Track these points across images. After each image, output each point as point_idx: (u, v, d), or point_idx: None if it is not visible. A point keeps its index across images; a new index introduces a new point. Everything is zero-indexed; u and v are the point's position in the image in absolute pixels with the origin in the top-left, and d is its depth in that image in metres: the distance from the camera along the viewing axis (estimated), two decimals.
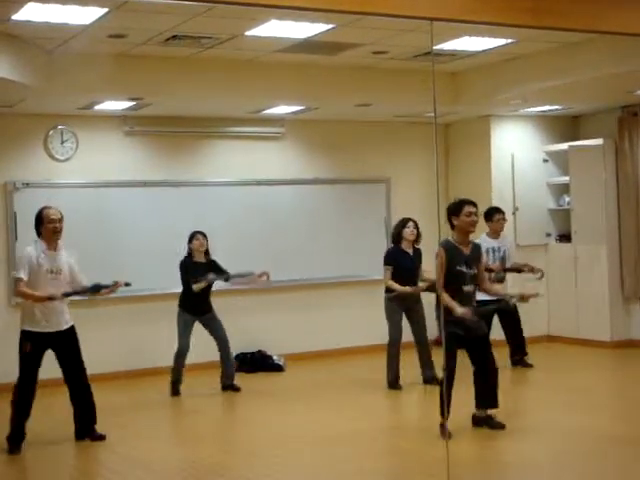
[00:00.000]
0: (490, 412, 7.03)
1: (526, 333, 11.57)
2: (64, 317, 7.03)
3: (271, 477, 6.03)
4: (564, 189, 11.71)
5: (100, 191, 10.04)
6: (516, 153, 11.68)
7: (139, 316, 9.90)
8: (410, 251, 8.93)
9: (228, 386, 9.05)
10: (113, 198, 10.08)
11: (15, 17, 6.97)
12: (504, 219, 9.72)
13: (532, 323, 11.64)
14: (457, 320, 6.60)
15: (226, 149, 10.77)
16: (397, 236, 8.97)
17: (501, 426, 6.94)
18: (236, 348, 10.45)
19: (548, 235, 11.87)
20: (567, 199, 11.62)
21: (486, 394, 6.99)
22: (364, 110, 10.43)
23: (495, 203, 11.42)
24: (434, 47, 8.42)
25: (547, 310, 11.82)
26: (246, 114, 10.45)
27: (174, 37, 7.94)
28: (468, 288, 6.79)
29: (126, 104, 9.43)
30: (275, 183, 10.94)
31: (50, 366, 7.29)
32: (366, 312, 10.94)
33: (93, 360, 9.82)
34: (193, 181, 10.52)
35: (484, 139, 11.61)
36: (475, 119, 11.57)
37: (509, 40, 8.57)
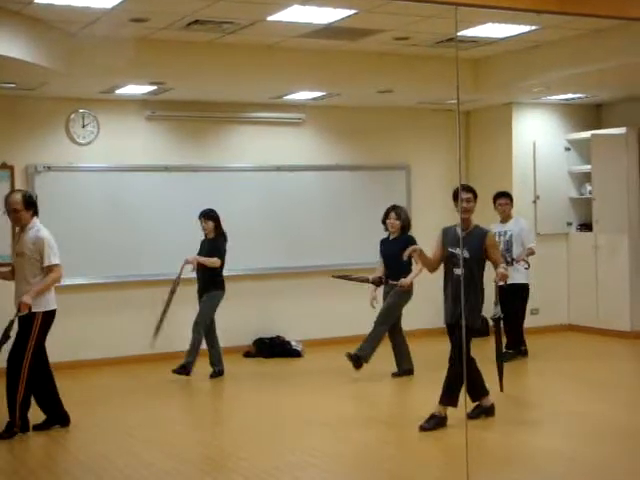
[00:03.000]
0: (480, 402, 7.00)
1: (546, 322, 11.59)
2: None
3: (284, 461, 6.06)
4: (586, 178, 11.63)
5: (121, 175, 10.06)
6: (538, 141, 11.61)
7: (159, 300, 9.90)
8: (396, 238, 8.89)
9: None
10: (134, 182, 10.10)
11: (38, 0, 6.98)
12: (507, 204, 9.70)
13: (552, 312, 11.64)
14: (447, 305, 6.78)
15: (247, 134, 10.76)
16: (384, 225, 9.04)
17: (472, 416, 6.84)
18: (254, 333, 10.51)
19: (569, 224, 11.81)
20: (589, 188, 11.54)
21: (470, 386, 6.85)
22: (385, 97, 10.39)
23: (516, 191, 11.38)
24: (458, 34, 8.37)
25: (567, 299, 11.77)
26: (267, 99, 10.43)
27: (196, 22, 7.92)
28: (459, 271, 6.64)
29: (147, 88, 9.44)
30: (295, 169, 10.93)
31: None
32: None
33: (116, 344, 9.96)
34: (213, 166, 10.52)
35: (506, 127, 11.54)
36: (497, 107, 11.49)
37: (533, 27, 8.50)
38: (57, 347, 9.58)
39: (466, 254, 6.69)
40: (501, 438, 6.56)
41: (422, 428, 6.65)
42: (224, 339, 9.64)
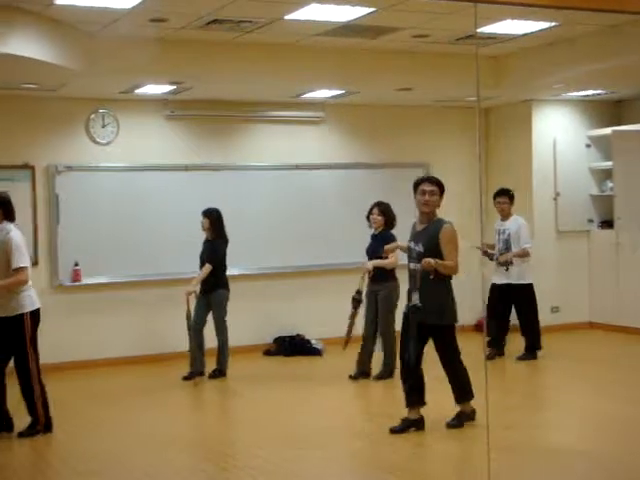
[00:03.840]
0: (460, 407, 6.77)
1: (566, 320, 11.53)
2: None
3: (303, 460, 6.06)
4: (607, 174, 11.56)
5: (141, 175, 10.10)
6: (558, 138, 11.56)
7: (179, 299, 9.94)
8: (378, 234, 8.78)
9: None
10: (153, 182, 10.14)
11: (58, 1, 7.03)
12: (505, 202, 9.57)
13: (573, 310, 11.59)
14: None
15: (266, 133, 10.77)
16: (367, 221, 8.95)
17: (453, 425, 6.67)
18: (275, 332, 10.52)
19: (590, 221, 11.74)
20: (610, 184, 11.47)
21: (453, 387, 6.76)
22: (404, 94, 10.37)
23: (536, 189, 11.37)
24: (477, 30, 8.36)
25: (588, 297, 11.71)
26: (286, 98, 10.44)
27: (214, 21, 7.94)
28: (413, 265, 6.53)
29: (167, 88, 9.47)
30: (314, 167, 10.93)
31: None
32: (403, 297, 10.92)
33: (136, 342, 10.00)
34: (233, 165, 10.54)
35: (525, 124, 11.49)
36: (516, 103, 11.45)
37: (552, 23, 8.45)
38: (78, 346, 9.74)
39: (420, 248, 6.51)
40: (523, 438, 6.52)
41: (392, 430, 6.55)
42: (244, 337, 9.66)
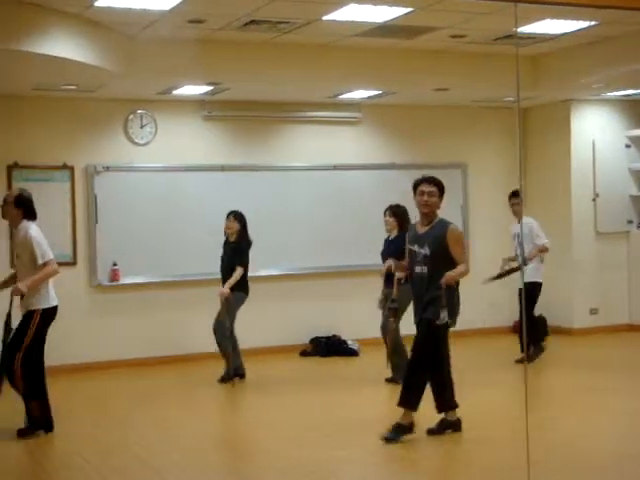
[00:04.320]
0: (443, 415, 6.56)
1: (605, 322, 11.40)
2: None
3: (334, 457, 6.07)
4: None
5: (178, 175, 10.15)
6: (597, 138, 11.44)
7: (216, 299, 9.99)
8: (394, 238, 8.56)
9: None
10: (191, 182, 10.18)
11: (98, 3, 7.09)
12: (518, 203, 9.33)
13: (612, 312, 11.47)
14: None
15: (303, 134, 10.78)
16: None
17: (432, 432, 6.44)
18: (311, 332, 10.52)
19: (630, 222, 11.62)
20: None
21: (434, 395, 6.53)
22: (441, 95, 10.33)
23: (575, 190, 11.27)
24: (514, 30, 8.30)
25: (628, 298, 11.58)
26: (323, 99, 10.44)
27: (252, 22, 7.96)
28: (419, 269, 6.34)
29: (204, 88, 9.51)
30: (351, 168, 10.92)
31: None
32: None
33: (173, 341, 10.05)
34: (270, 165, 10.56)
35: (564, 124, 11.39)
36: (555, 104, 11.35)
37: (592, 22, 8.38)
38: (116, 345, 9.81)
39: (426, 250, 6.31)
40: (563, 439, 6.46)
41: (385, 439, 6.30)
42: (281, 338, 9.67)
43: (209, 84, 9.26)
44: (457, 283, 6.38)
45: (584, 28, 8.57)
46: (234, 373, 8.73)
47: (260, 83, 9.28)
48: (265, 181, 10.48)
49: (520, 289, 9.30)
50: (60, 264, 9.47)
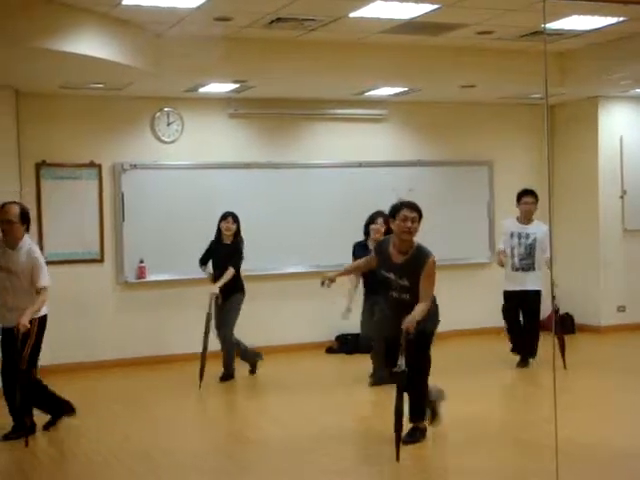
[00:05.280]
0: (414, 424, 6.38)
1: (634, 319, 11.36)
2: (14, 315, 6.59)
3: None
4: None
5: (204, 172, 10.18)
6: (625, 135, 11.35)
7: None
8: (372, 246, 7.96)
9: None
10: (217, 179, 10.21)
11: (125, 2, 7.13)
12: (533, 203, 9.09)
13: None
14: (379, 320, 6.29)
15: (329, 131, 10.78)
16: (365, 229, 8.55)
17: (408, 441, 6.18)
18: (337, 329, 10.51)
19: None
20: None
21: (411, 404, 6.33)
22: (467, 91, 10.30)
23: (602, 187, 11.19)
24: (542, 26, 8.25)
25: None
26: (349, 96, 10.43)
27: (278, 19, 7.97)
28: (397, 295, 6.17)
29: (230, 86, 9.53)
30: (377, 165, 10.91)
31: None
32: (464, 295, 10.88)
33: (197, 339, 10.07)
34: (296, 162, 10.57)
35: (591, 121, 11.31)
36: (582, 100, 11.27)
37: (620, 18, 8.32)
38: (142, 342, 9.86)
39: (405, 282, 6.12)
40: (591, 439, 6.42)
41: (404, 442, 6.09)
42: (307, 335, 9.66)
43: (235, 82, 9.28)
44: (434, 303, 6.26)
45: (612, 24, 8.51)
46: (231, 374, 8.77)
47: (286, 81, 9.29)
48: (291, 178, 10.49)
49: (510, 292, 9.09)
50: (87, 261, 9.70)
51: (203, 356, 8.53)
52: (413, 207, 6.19)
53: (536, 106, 11.31)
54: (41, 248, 9.30)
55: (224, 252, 8.79)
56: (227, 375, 8.81)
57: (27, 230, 6.74)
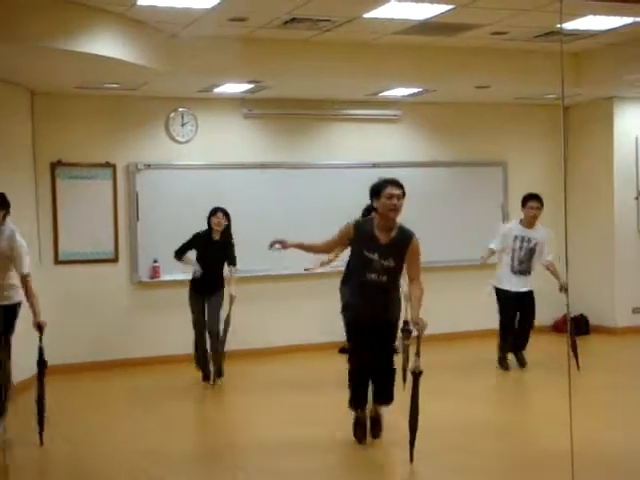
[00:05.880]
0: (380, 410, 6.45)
1: None
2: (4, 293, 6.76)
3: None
4: None
5: (218, 172, 10.20)
6: None
7: (257, 296, 10.01)
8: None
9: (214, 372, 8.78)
10: (231, 180, 10.22)
11: (140, 2, 7.15)
12: (538, 208, 8.99)
13: None
14: (350, 304, 6.26)
15: (343, 131, 10.78)
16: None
17: (376, 435, 6.35)
18: None
19: None
20: None
21: (377, 390, 6.40)
22: (482, 92, 10.28)
23: (617, 188, 11.15)
24: (557, 27, 8.23)
25: None
26: (364, 96, 10.43)
27: (293, 20, 7.98)
28: (375, 277, 6.07)
29: (245, 87, 9.55)
30: (392, 165, 10.86)
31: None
32: (480, 296, 10.83)
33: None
34: (310, 163, 10.57)
35: (606, 121, 11.26)
36: (598, 101, 11.22)
37: (636, 18, 8.28)
38: (157, 341, 9.88)
39: (390, 263, 6.04)
40: (606, 441, 6.40)
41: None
42: (320, 335, 9.64)
43: (250, 82, 9.29)
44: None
45: (628, 24, 8.48)
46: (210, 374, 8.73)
47: (301, 81, 9.30)
48: (304, 179, 10.50)
49: (508, 292, 9.01)
50: (102, 261, 9.73)
51: (220, 354, 8.58)
52: (397, 184, 6.13)
53: (550, 107, 11.28)
54: (56, 247, 9.43)
55: (216, 249, 8.72)
56: (220, 372, 8.75)
57: (7, 215, 6.75)
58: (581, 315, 11.15)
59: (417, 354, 5.93)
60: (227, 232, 8.78)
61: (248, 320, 9.63)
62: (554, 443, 6.15)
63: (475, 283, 10.95)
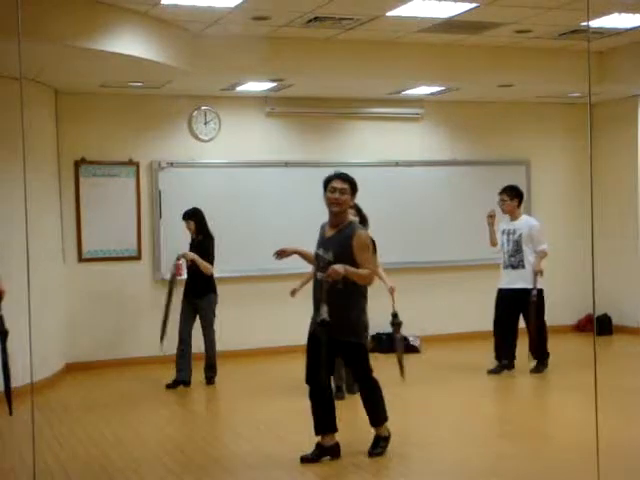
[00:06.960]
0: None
1: None
2: None
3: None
4: None
5: (242, 171, 10.22)
6: None
7: (278, 295, 10.02)
8: None
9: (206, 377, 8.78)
10: (254, 178, 10.24)
11: (164, 1, 7.18)
12: (505, 200, 8.85)
13: None
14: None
15: (366, 130, 10.77)
16: None
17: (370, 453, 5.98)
18: (373, 329, 10.44)
19: None
20: None
21: (367, 410, 6.10)
22: (505, 90, 10.23)
23: None
24: (582, 25, 8.19)
25: None
26: (386, 95, 10.41)
27: (315, 19, 7.98)
28: (320, 275, 5.74)
29: (267, 85, 9.56)
30: (414, 164, 10.89)
31: None
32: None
33: (236, 336, 10.09)
34: (332, 161, 10.53)
35: (630, 120, 11.17)
36: (622, 99, 11.14)
37: None
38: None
39: (330, 256, 5.73)
40: (629, 440, 6.36)
41: (303, 459, 5.86)
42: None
43: (273, 80, 9.31)
44: (363, 291, 5.96)
45: None
46: (183, 380, 8.65)
47: (323, 79, 9.30)
48: None
49: (500, 289, 8.88)
50: (125, 259, 9.78)
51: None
52: (343, 178, 5.95)
53: (574, 105, 11.21)
54: (79, 245, 9.48)
55: (194, 250, 8.62)
56: (213, 376, 8.76)
57: None
58: (605, 315, 11.09)
59: (323, 301, 5.63)
60: (203, 233, 8.67)
61: (249, 320, 9.65)
62: (578, 444, 6.12)
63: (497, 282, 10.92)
